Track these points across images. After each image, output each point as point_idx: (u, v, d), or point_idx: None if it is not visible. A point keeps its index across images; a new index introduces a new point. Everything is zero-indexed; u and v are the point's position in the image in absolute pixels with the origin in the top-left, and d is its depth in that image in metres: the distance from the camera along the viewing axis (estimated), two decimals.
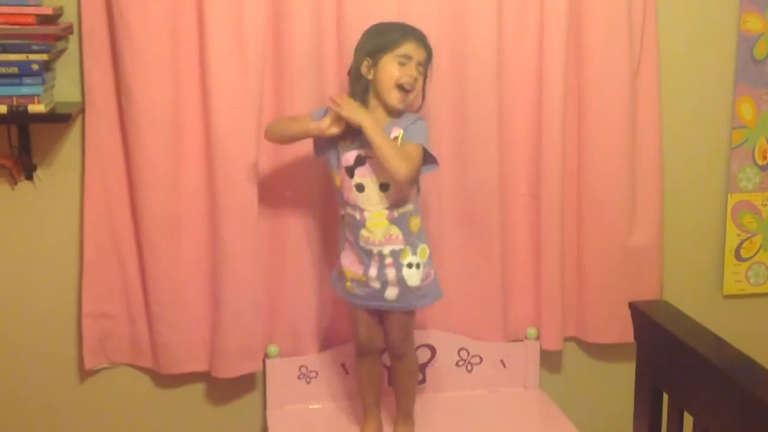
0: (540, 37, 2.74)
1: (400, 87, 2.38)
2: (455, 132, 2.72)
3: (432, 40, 2.49)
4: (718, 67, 2.98)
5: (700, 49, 2.96)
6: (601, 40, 2.76)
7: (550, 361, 3.01)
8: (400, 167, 2.29)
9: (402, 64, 2.38)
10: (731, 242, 3.07)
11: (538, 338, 2.91)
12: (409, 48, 2.39)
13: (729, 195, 3.04)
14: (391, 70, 2.38)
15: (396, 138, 2.37)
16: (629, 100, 2.80)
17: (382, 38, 2.40)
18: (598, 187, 2.84)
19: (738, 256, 3.08)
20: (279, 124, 2.52)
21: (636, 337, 1.95)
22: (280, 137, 2.51)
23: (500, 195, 2.79)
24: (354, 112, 2.33)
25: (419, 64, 2.40)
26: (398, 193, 2.40)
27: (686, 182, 3.02)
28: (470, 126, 2.73)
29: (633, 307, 1.95)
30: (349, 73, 2.47)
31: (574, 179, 2.87)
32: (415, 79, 2.38)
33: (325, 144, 2.47)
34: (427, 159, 2.41)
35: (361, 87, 2.42)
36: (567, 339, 2.98)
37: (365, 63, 2.40)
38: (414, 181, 2.40)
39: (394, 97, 2.39)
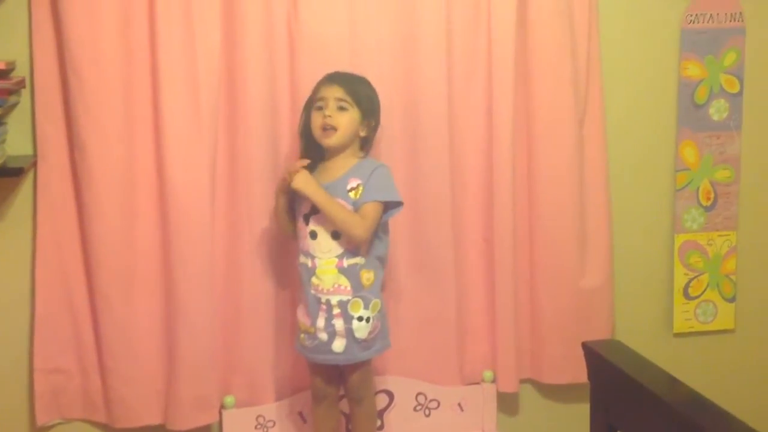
0: (489, 89, 2.81)
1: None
2: (409, 181, 2.75)
3: (384, 94, 2.59)
4: (661, 112, 3.07)
5: (643, 95, 3.05)
6: (548, 90, 2.84)
7: (507, 403, 3.03)
8: (354, 231, 2.42)
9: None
10: (679, 281, 3.13)
11: (494, 381, 2.93)
12: (321, 91, 2.50)
13: (675, 235, 3.11)
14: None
15: (354, 189, 2.44)
16: (577, 146, 2.88)
17: (311, 94, 2.52)
18: (549, 231, 2.90)
19: (686, 295, 3.14)
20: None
21: (589, 376, 1.98)
22: (278, 223, 2.61)
23: (454, 241, 2.83)
24: (303, 187, 2.43)
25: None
26: (349, 243, 2.45)
27: (634, 224, 3.09)
28: (424, 175, 2.78)
29: (586, 347, 1.99)
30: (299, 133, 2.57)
31: (526, 224, 2.92)
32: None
33: (295, 195, 2.52)
34: (391, 205, 2.49)
35: (305, 143, 2.54)
36: (523, 381, 3.00)
37: (303, 119, 2.53)
38: (367, 239, 2.47)
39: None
